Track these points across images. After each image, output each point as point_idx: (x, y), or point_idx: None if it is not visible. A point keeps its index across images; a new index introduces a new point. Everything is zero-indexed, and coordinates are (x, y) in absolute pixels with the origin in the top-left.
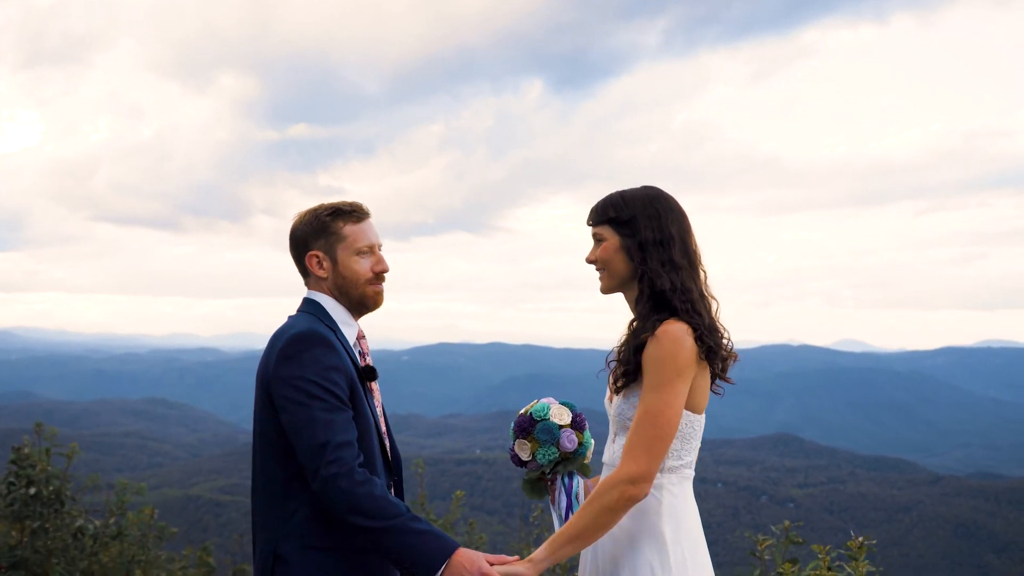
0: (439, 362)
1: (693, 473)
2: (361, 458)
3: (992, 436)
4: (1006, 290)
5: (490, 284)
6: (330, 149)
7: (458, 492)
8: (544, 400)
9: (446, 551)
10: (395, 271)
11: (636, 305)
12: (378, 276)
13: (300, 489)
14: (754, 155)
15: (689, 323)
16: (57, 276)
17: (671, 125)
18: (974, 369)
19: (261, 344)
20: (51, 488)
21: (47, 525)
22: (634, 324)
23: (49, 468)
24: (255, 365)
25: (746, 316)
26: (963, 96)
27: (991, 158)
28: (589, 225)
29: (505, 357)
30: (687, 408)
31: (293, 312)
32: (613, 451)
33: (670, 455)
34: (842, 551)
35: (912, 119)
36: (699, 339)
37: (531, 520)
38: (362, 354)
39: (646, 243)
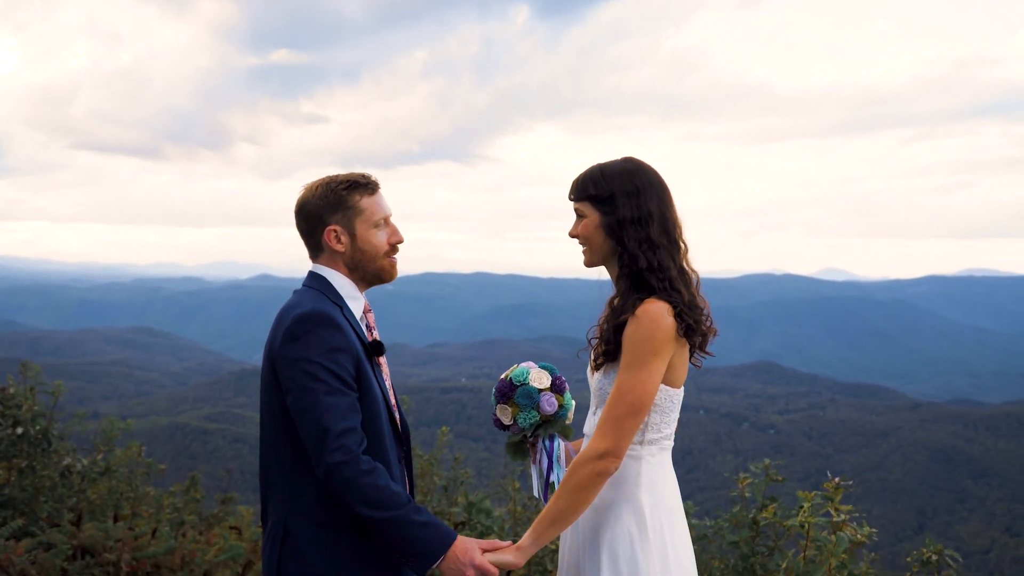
0: (424, 292)
1: (672, 443)
2: (365, 444)
3: (972, 364)
4: (990, 219)
5: (475, 213)
6: (313, 76)
7: (443, 428)
8: (523, 365)
9: (445, 543)
10: None
11: (616, 283)
12: (394, 248)
13: (308, 468)
14: (742, 83)
15: (668, 301)
16: (39, 204)
17: (659, 52)
18: (956, 298)
19: (245, 274)
20: (38, 427)
21: (35, 464)
22: (615, 302)
23: (35, 407)
24: (239, 295)
25: (730, 245)
26: (954, 23)
27: (981, 86)
28: (570, 200)
29: (490, 286)
30: (665, 383)
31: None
32: (593, 423)
33: (649, 428)
34: (819, 491)
35: (902, 46)
36: (678, 316)
37: None
38: (369, 327)
39: (624, 221)
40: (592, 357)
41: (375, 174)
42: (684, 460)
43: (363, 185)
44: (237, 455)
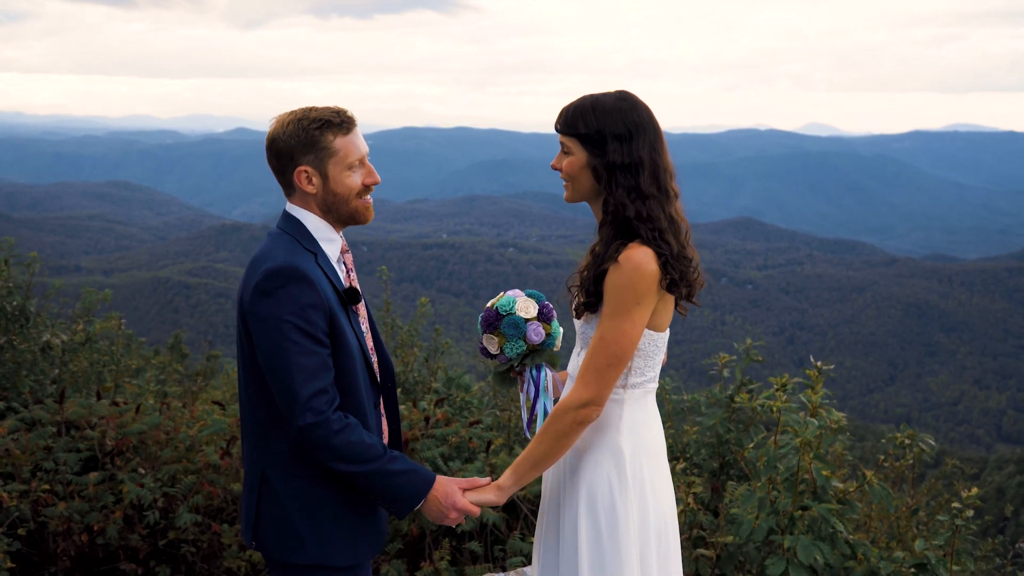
0: (404, 147)
1: (656, 385)
2: (337, 402)
3: (951, 219)
4: (979, 73)
5: (456, 65)
6: None
7: (423, 299)
8: (509, 293)
9: (423, 488)
10: (357, 50)
11: (600, 229)
12: (368, 188)
13: (281, 422)
14: None
15: (656, 251)
16: (8, 55)
17: None
18: (939, 153)
19: (220, 127)
20: (14, 303)
21: (13, 340)
22: (596, 249)
23: (11, 284)
24: (215, 149)
25: (714, 99)
26: None
27: None
28: (556, 130)
29: (471, 142)
30: (649, 327)
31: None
32: (576, 363)
33: (633, 372)
34: (799, 379)
35: None
36: (664, 268)
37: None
38: (347, 269)
39: (613, 166)
40: (572, 305)
41: (351, 24)
42: None
43: (337, 124)
44: (220, 309)
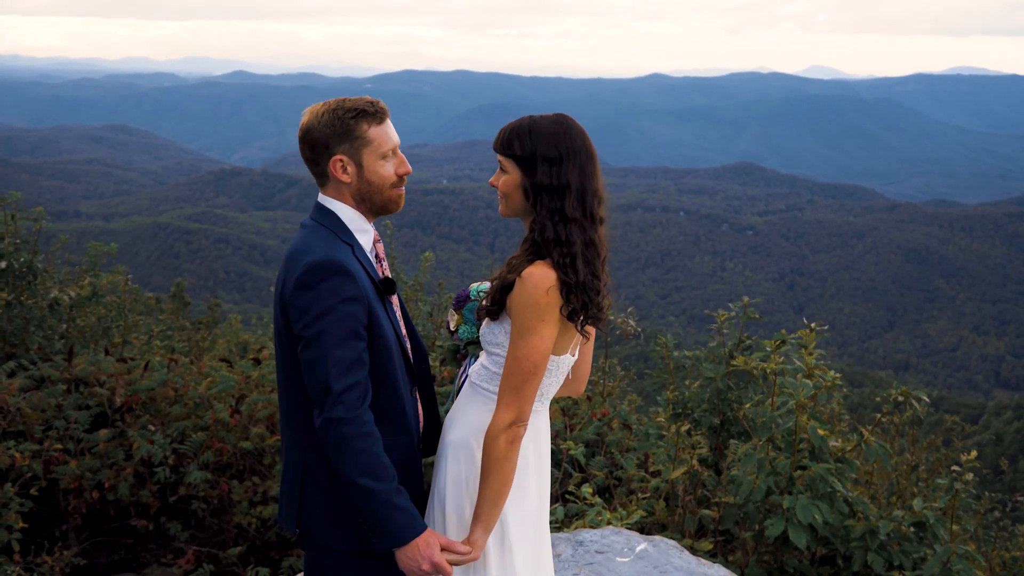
0: (403, 91)
1: (545, 406)
2: (369, 396)
3: (953, 164)
4: (983, 15)
5: (455, 6)
6: None
7: (427, 254)
8: (487, 282)
9: (414, 532)
10: None
11: (522, 242)
12: (401, 179)
13: None
14: None
15: (560, 276)
16: None
17: None
18: (942, 97)
19: (218, 70)
20: (22, 260)
21: (21, 297)
22: (511, 262)
23: (18, 241)
24: (214, 92)
25: (716, 42)
26: None
27: None
28: (494, 150)
29: (471, 86)
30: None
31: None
32: (482, 362)
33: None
34: (794, 339)
35: None
36: (565, 296)
37: (495, 249)
38: (378, 259)
39: (540, 188)
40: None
41: None
42: (663, 261)
43: (371, 114)
44: (221, 255)
